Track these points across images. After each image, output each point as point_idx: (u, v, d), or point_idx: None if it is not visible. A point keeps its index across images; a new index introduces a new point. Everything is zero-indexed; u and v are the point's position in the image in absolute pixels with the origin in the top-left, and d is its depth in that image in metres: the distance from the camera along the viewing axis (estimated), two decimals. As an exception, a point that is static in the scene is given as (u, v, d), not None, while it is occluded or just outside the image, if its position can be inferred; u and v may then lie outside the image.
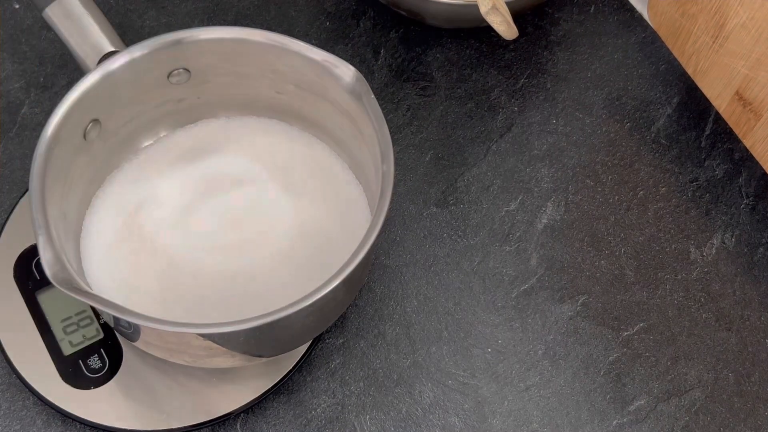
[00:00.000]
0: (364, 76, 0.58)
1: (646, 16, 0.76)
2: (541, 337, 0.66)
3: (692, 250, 0.69)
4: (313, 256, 0.60)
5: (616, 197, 0.71)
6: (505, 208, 0.70)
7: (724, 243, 0.69)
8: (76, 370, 0.62)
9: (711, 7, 0.63)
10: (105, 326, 0.63)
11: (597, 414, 0.64)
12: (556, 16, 0.77)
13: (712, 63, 0.65)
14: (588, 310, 0.67)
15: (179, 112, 0.64)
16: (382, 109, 0.57)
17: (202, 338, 0.52)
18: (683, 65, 0.68)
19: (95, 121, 0.60)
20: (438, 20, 0.73)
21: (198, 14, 0.75)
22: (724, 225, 0.70)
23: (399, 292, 0.67)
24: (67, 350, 0.62)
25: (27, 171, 0.69)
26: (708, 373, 0.65)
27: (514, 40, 0.75)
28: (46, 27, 0.73)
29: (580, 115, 0.73)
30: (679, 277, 0.68)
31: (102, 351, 0.63)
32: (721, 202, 0.71)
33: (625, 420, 0.64)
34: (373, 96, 0.58)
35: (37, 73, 0.73)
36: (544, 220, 0.70)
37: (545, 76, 0.75)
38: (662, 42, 0.75)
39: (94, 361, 0.62)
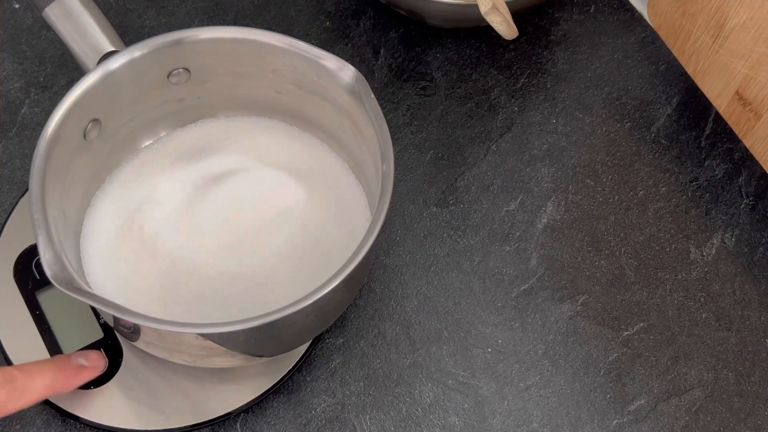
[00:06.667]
0: (364, 76, 0.58)
1: (646, 16, 0.76)
2: (541, 337, 0.66)
3: (692, 250, 0.69)
4: (313, 256, 0.60)
5: (616, 197, 0.71)
6: (505, 208, 0.70)
7: (724, 243, 0.69)
8: (76, 370, 0.62)
9: (711, 7, 0.63)
10: (105, 326, 0.63)
11: (597, 414, 0.64)
12: (556, 16, 0.77)
13: (712, 63, 0.65)
14: (588, 310, 0.67)
15: (179, 112, 0.64)
16: (382, 109, 0.57)
17: (202, 338, 0.52)
18: (683, 65, 0.68)
19: (95, 121, 0.60)
20: (438, 20, 0.73)
21: (198, 14, 0.75)
22: (724, 225, 0.70)
23: (399, 292, 0.67)
24: (67, 350, 0.62)
25: (27, 171, 0.69)
26: (708, 373, 0.65)
27: (514, 40, 0.75)
28: (46, 27, 0.73)
29: (580, 115, 0.73)
30: (679, 277, 0.68)
31: (102, 351, 0.63)
32: (721, 202, 0.71)
33: (625, 420, 0.64)
34: (373, 96, 0.58)
35: (37, 73, 0.73)
36: (544, 220, 0.70)
37: (545, 76, 0.75)
38: (662, 42, 0.75)
39: (94, 361, 0.62)
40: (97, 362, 0.60)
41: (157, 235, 0.61)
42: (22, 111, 0.71)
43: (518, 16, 0.70)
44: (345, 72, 0.58)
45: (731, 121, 0.66)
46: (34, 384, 0.55)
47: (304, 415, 0.63)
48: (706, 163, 0.72)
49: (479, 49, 0.75)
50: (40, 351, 0.62)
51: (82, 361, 0.59)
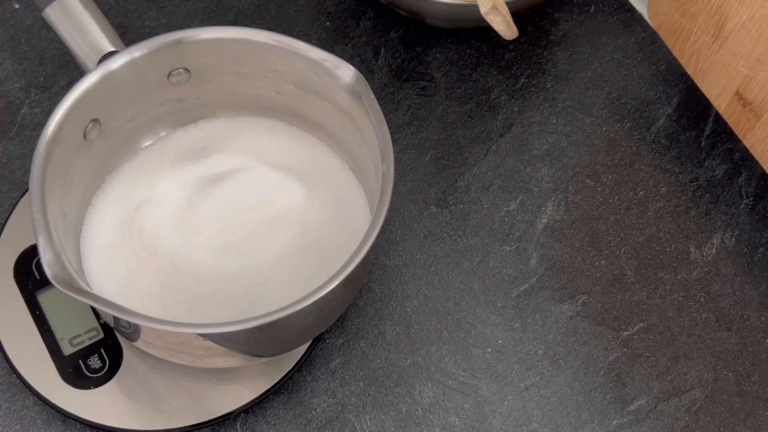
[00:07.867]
0: (364, 76, 0.58)
1: (646, 16, 0.76)
2: (541, 337, 0.66)
3: (692, 250, 0.69)
4: (313, 256, 0.60)
5: (616, 197, 0.71)
6: (505, 208, 0.70)
7: (724, 243, 0.69)
8: (76, 370, 0.62)
9: (711, 7, 0.63)
10: (105, 326, 0.63)
11: (597, 414, 0.64)
12: (556, 16, 0.77)
13: (712, 63, 0.65)
14: (588, 310, 0.67)
15: (179, 112, 0.64)
16: (382, 109, 0.57)
17: (202, 338, 0.52)
18: (683, 65, 0.68)
19: (95, 121, 0.60)
20: (438, 20, 0.73)
21: (198, 14, 0.75)
22: (724, 225, 0.70)
23: (399, 292, 0.67)
24: (67, 350, 0.62)
25: (27, 171, 0.69)
26: (708, 373, 0.65)
27: (514, 40, 0.75)
28: (46, 27, 0.73)
29: (580, 115, 0.73)
30: (679, 277, 0.68)
31: (102, 351, 0.63)
32: (721, 202, 0.71)
33: (625, 420, 0.64)
34: (373, 96, 0.58)
35: (37, 73, 0.73)
36: (544, 220, 0.70)
37: (545, 76, 0.75)
38: (662, 42, 0.75)
39: (94, 361, 0.62)
40: None
41: (157, 235, 0.61)
42: (22, 111, 0.71)
43: (518, 16, 0.70)
44: (345, 72, 0.58)
45: (731, 121, 0.66)
46: None
47: (304, 415, 0.63)
48: (706, 163, 0.72)
49: (479, 49, 0.75)
50: (40, 351, 0.62)
51: None
